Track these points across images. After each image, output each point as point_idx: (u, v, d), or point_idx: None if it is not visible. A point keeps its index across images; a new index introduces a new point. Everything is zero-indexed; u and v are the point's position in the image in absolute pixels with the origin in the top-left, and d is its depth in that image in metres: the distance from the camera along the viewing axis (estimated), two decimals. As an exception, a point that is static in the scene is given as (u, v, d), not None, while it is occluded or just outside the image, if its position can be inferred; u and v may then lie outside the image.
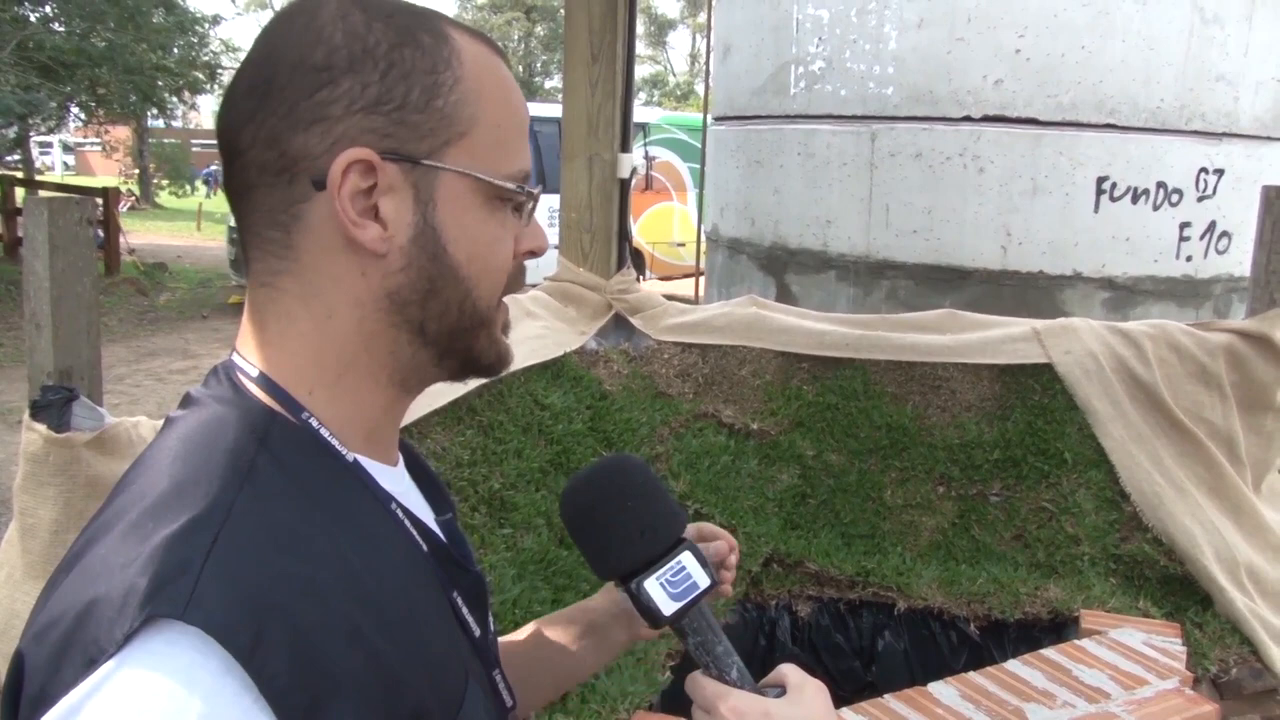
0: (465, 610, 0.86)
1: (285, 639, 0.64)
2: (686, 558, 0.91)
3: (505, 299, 0.88)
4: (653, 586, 0.90)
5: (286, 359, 0.80)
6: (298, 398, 0.79)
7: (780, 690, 0.89)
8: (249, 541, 0.67)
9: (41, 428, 1.90)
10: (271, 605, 0.65)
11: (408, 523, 0.83)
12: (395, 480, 0.86)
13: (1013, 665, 2.41)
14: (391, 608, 0.74)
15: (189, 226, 22.24)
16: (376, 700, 0.69)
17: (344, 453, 0.80)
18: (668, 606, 0.89)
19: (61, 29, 14.47)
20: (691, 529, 1.22)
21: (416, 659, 0.74)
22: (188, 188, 25.96)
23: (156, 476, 0.73)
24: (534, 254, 0.88)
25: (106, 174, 27.71)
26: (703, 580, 0.91)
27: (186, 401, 0.82)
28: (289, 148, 0.77)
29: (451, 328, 0.82)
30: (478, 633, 0.88)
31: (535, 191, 0.85)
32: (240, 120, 0.79)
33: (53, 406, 1.91)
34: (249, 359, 0.81)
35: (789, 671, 0.91)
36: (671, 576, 0.90)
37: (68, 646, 0.63)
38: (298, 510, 0.72)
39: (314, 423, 0.79)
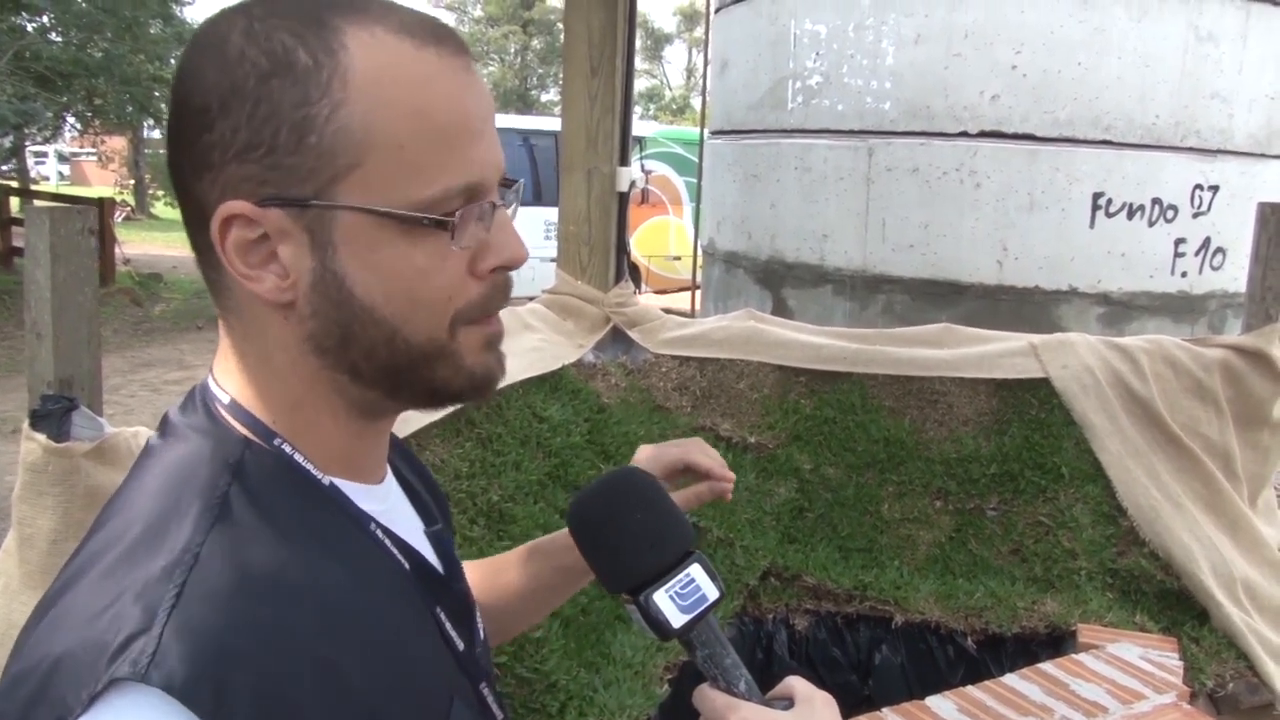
0: (449, 626, 0.85)
1: (249, 689, 0.63)
2: (695, 570, 0.91)
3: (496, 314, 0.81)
4: (662, 599, 0.89)
5: (249, 389, 0.78)
6: (268, 425, 0.78)
7: (788, 703, 0.89)
8: (214, 588, 0.66)
9: (41, 437, 1.90)
10: (234, 655, 0.64)
11: (388, 542, 0.82)
12: (378, 499, 0.84)
13: (1010, 679, 2.41)
14: (369, 634, 0.73)
15: (184, 237, 22.11)
16: None
17: (319, 477, 0.78)
18: (677, 619, 0.88)
19: (59, 39, 14.48)
20: (672, 454, 1.22)
21: (396, 684, 0.73)
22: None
23: (131, 516, 0.72)
24: (504, 269, 0.79)
25: (102, 184, 27.69)
26: (712, 592, 0.90)
27: (164, 428, 0.81)
28: (193, 195, 0.75)
29: (385, 367, 0.76)
30: (462, 647, 0.87)
31: (453, 219, 0.73)
32: (168, 163, 0.77)
33: (52, 416, 1.91)
34: (222, 385, 0.80)
35: (797, 684, 0.90)
36: (681, 589, 0.89)
37: (36, 703, 0.63)
38: (268, 545, 0.71)
39: (287, 449, 0.77)
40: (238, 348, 0.79)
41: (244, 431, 0.77)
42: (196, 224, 0.76)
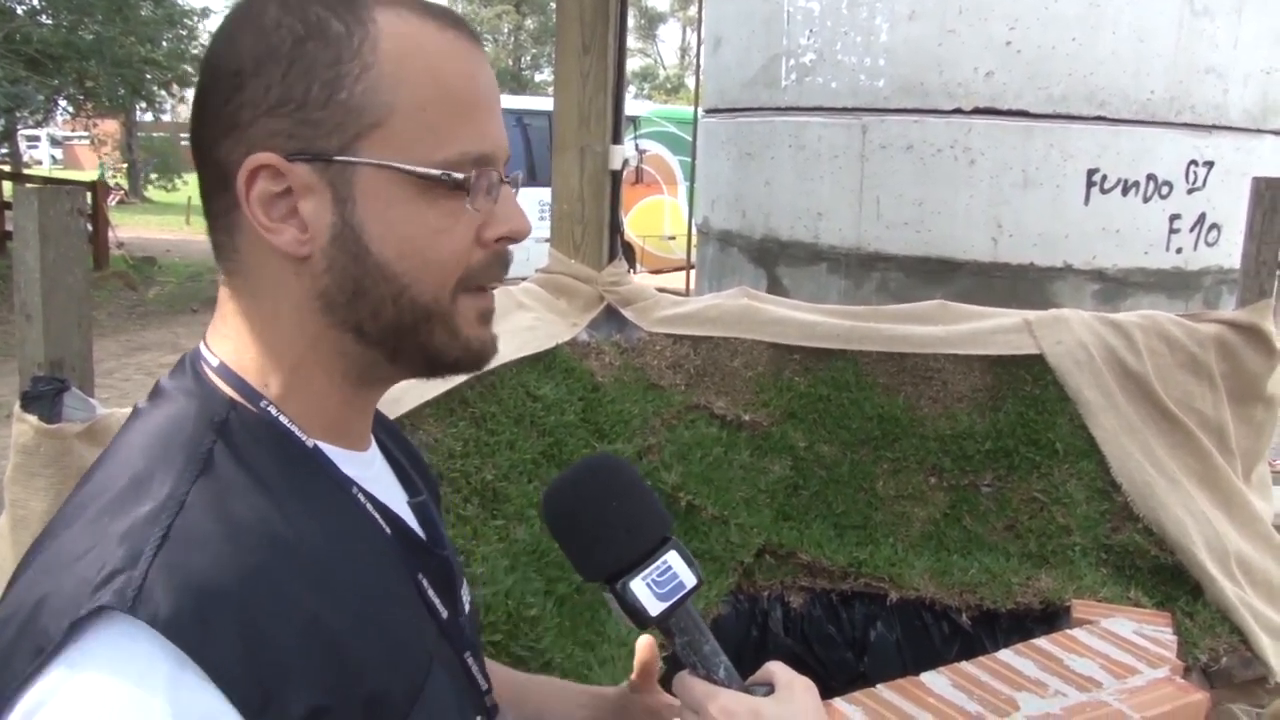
0: (431, 593, 0.86)
1: (235, 629, 0.65)
2: (673, 557, 0.90)
3: (491, 289, 0.85)
4: (639, 587, 0.88)
5: (244, 352, 0.81)
6: (256, 387, 0.80)
7: (768, 688, 0.88)
8: (200, 532, 0.68)
9: (33, 419, 1.90)
10: (220, 595, 0.65)
11: (370, 507, 0.83)
12: (361, 465, 0.86)
13: (1005, 655, 2.42)
14: (349, 592, 0.74)
15: (178, 220, 22.15)
16: (331, 685, 0.69)
17: (303, 439, 0.80)
18: (654, 607, 0.88)
19: (49, 21, 14.38)
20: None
21: (375, 642, 0.75)
22: (176, 181, 25.77)
23: (116, 471, 0.74)
24: (509, 239, 0.83)
25: (95, 167, 27.50)
26: (689, 579, 0.90)
27: (154, 392, 0.83)
28: (216, 157, 0.78)
29: (390, 327, 0.79)
30: (445, 615, 0.87)
31: (469, 177, 0.79)
32: (191, 131, 0.80)
33: (44, 398, 1.90)
34: (213, 350, 0.82)
35: (777, 669, 0.90)
36: (658, 576, 0.89)
37: (20, 640, 0.64)
38: (252, 499, 0.73)
39: (272, 410, 0.80)
40: (241, 309, 0.81)
41: (230, 393, 0.79)
42: (216, 187, 0.79)
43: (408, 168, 0.76)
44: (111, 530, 0.67)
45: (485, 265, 0.82)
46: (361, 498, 0.83)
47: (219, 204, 0.79)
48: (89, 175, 21.71)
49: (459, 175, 0.78)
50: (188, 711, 0.62)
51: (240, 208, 0.77)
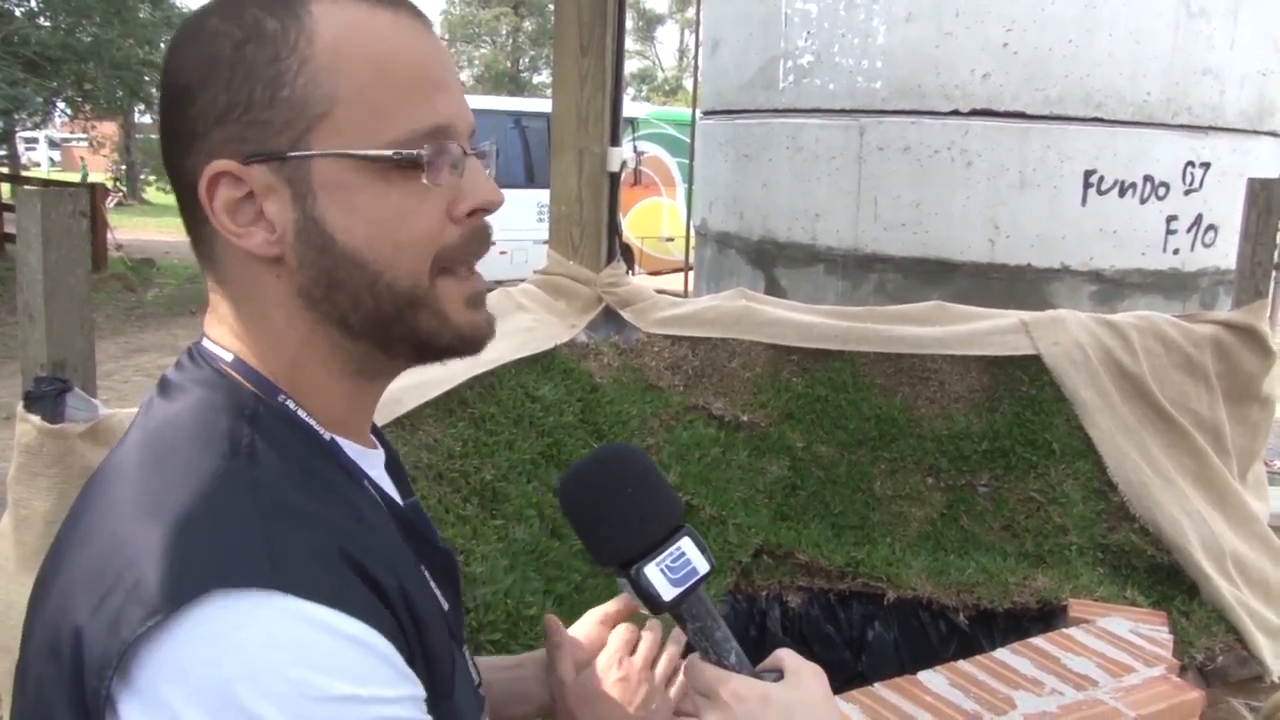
0: (434, 585, 0.88)
1: (358, 579, 0.70)
2: (686, 544, 0.92)
3: (475, 272, 0.85)
4: (653, 573, 0.90)
5: (252, 349, 0.82)
6: (272, 381, 0.81)
7: (778, 674, 0.90)
8: (287, 506, 0.72)
9: (36, 419, 1.91)
10: (338, 553, 0.70)
11: (379, 500, 0.85)
12: (370, 462, 0.88)
13: (1002, 654, 2.43)
14: (399, 575, 0.77)
15: (176, 222, 22.04)
16: (413, 629, 0.75)
17: (321, 432, 0.82)
18: (668, 592, 0.90)
19: (47, 23, 14.38)
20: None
21: (423, 608, 0.78)
22: (176, 184, 25.65)
23: (154, 459, 0.76)
24: (482, 211, 0.82)
25: (94, 169, 27.48)
26: (702, 566, 0.92)
27: (164, 386, 0.83)
28: (182, 172, 0.79)
29: (372, 316, 0.79)
30: (447, 608, 0.89)
31: (422, 153, 0.77)
32: (161, 151, 0.82)
33: (47, 398, 1.91)
34: (222, 344, 0.83)
35: (786, 656, 0.92)
36: (671, 562, 0.91)
37: (124, 608, 0.66)
38: (297, 485, 0.75)
39: (290, 404, 0.81)
40: (233, 315, 0.82)
41: (250, 387, 0.80)
42: (190, 201, 0.80)
43: (357, 153, 0.76)
44: (185, 514, 0.69)
45: (462, 242, 0.81)
46: (372, 490, 0.85)
47: (195, 217, 0.80)
48: (74, 177, 21.64)
49: (412, 153, 0.77)
50: (356, 639, 0.67)
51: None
